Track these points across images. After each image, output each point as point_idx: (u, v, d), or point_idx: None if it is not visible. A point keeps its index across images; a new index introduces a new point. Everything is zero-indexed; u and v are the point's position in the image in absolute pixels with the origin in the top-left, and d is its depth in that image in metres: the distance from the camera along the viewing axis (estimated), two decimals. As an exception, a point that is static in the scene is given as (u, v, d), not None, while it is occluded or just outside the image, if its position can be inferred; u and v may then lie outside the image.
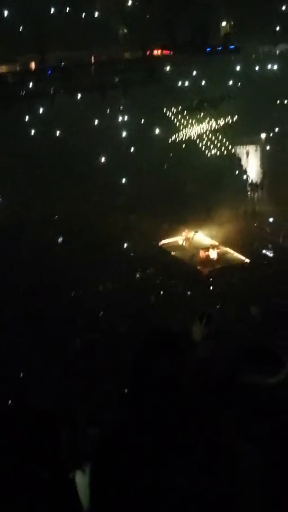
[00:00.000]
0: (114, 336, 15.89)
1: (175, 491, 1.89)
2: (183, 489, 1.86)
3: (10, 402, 10.42)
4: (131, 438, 2.07)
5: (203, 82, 35.99)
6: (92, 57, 34.04)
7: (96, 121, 35.71)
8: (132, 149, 35.47)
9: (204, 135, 36.74)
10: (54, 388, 10.93)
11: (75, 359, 14.26)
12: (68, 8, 33.08)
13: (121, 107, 34.64)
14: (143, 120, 36.25)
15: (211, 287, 22.41)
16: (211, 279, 23.90)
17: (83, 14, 33.91)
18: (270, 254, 26.15)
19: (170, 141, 36.38)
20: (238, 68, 35.94)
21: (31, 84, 30.86)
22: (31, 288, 20.40)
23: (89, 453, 4.91)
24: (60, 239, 27.42)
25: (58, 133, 33.98)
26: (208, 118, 36.53)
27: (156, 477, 1.94)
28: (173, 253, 27.72)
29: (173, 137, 36.68)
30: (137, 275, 23.45)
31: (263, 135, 36.66)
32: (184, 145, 36.65)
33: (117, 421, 2.27)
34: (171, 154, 35.72)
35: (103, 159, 34.14)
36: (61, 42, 32.84)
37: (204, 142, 36.65)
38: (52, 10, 32.87)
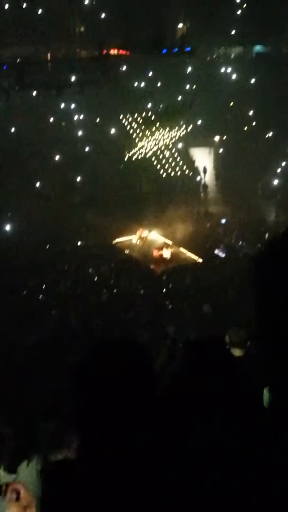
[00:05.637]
0: (66, 334, 15.83)
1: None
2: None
3: None
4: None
5: (159, 84, 36.18)
6: (48, 54, 33.84)
7: (52, 119, 35.52)
8: (87, 148, 35.43)
9: (159, 136, 36.94)
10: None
11: (28, 357, 14.10)
12: (24, 4, 32.81)
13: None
14: (98, 119, 36.21)
15: (164, 286, 22.50)
16: (164, 278, 24.01)
17: (40, 10, 33.70)
18: (222, 254, 26.46)
19: (125, 141, 36.46)
20: (194, 70, 36.28)
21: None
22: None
23: (38, 447, 4.87)
24: (11, 235, 27.16)
25: (12, 129, 33.68)
26: (162, 120, 36.71)
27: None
28: (126, 251, 27.78)
29: (129, 137, 36.76)
30: (90, 273, 23.41)
31: (217, 138, 37.09)
32: (139, 146, 36.78)
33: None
34: (126, 154, 35.81)
35: (57, 157, 33.97)
36: (17, 38, 32.52)
37: (158, 142, 36.84)
38: (7, 5, 32.56)
